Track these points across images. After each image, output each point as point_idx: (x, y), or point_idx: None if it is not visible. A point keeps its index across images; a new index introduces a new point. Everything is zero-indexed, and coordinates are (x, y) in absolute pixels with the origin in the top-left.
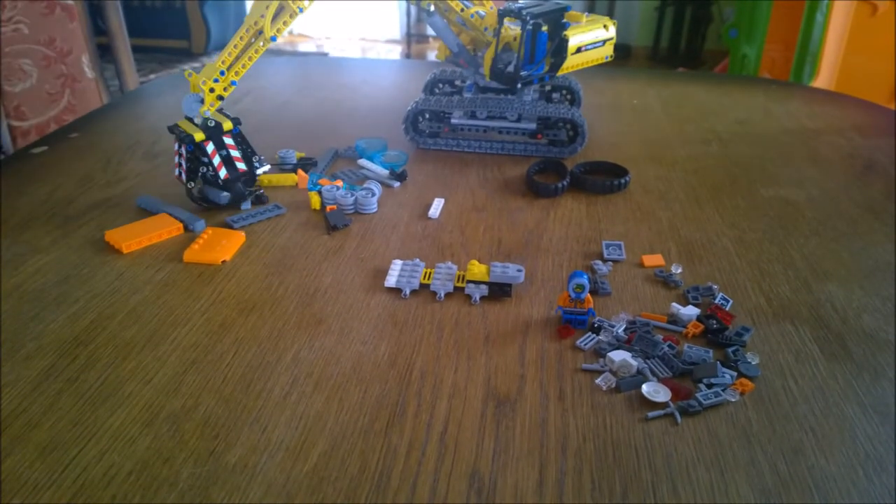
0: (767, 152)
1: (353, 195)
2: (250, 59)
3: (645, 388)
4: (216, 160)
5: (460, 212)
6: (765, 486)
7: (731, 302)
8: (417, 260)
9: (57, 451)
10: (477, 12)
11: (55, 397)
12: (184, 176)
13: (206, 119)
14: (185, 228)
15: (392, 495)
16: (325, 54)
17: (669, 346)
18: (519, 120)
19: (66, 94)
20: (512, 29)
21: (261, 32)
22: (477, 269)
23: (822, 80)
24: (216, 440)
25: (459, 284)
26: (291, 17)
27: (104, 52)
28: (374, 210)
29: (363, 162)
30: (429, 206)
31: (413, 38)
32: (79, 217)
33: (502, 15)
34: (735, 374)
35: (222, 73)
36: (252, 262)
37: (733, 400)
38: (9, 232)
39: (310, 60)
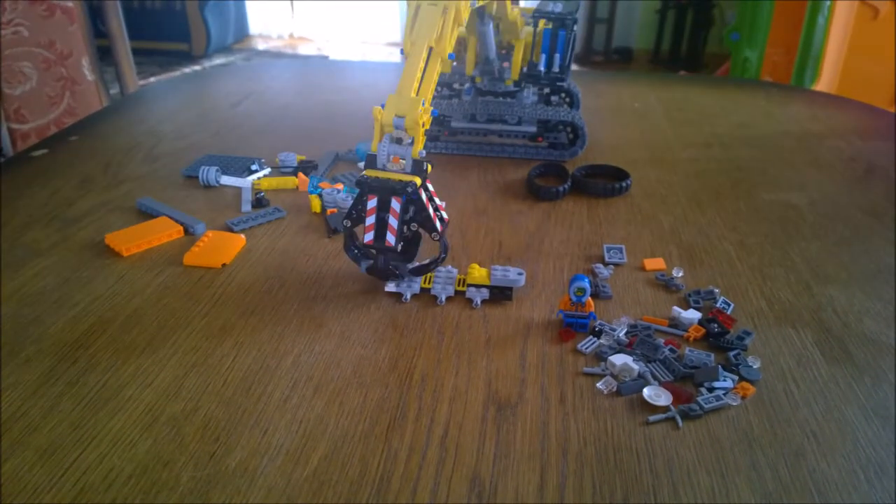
0: (769, 156)
1: (353, 198)
2: (433, 82)
3: (646, 391)
4: (430, 210)
5: (461, 215)
6: (766, 489)
7: (732, 306)
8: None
9: (57, 455)
10: (520, 14)
11: (55, 400)
12: (392, 238)
13: (422, 161)
14: (186, 232)
15: (393, 499)
16: (326, 57)
17: (671, 349)
18: (519, 123)
19: (66, 97)
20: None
21: (431, 51)
22: (477, 273)
23: (824, 83)
24: (216, 444)
25: (460, 288)
26: (455, 29)
27: (104, 54)
28: None
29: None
30: None
31: None
32: (79, 220)
33: (537, 18)
34: (736, 377)
35: (423, 103)
36: (252, 265)
37: (734, 404)
38: (9, 235)
39: (310, 63)
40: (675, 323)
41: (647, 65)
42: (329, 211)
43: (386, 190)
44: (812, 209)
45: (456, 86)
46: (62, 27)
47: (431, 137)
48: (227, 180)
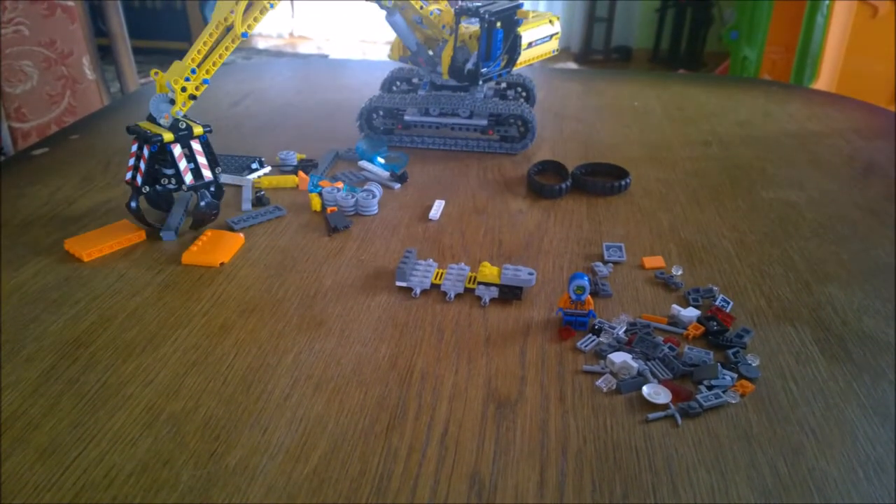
0: (768, 154)
1: (353, 197)
2: (220, 56)
3: (645, 389)
4: (182, 164)
5: (461, 213)
6: (765, 487)
7: (731, 304)
8: (431, 260)
9: (57, 453)
10: (435, 10)
11: (56, 399)
12: (139, 179)
13: (178, 120)
14: (147, 235)
15: (392, 497)
16: (326, 56)
17: (670, 347)
18: (471, 116)
19: (67, 96)
20: (467, 27)
21: (230, 29)
22: (488, 271)
23: (823, 82)
24: (216, 442)
25: (470, 286)
26: (262, 12)
27: (105, 53)
28: (375, 212)
29: (364, 163)
30: (429, 208)
31: None
32: (79, 218)
33: (459, 14)
34: (735, 375)
35: (193, 71)
36: (252, 263)
37: (734, 401)
38: (9, 233)
39: (310, 62)
40: (674, 321)
41: (647, 63)
42: (329, 209)
43: (141, 138)
44: (811, 207)
45: (415, 80)
46: (63, 26)
47: (386, 131)
48: (227, 179)
